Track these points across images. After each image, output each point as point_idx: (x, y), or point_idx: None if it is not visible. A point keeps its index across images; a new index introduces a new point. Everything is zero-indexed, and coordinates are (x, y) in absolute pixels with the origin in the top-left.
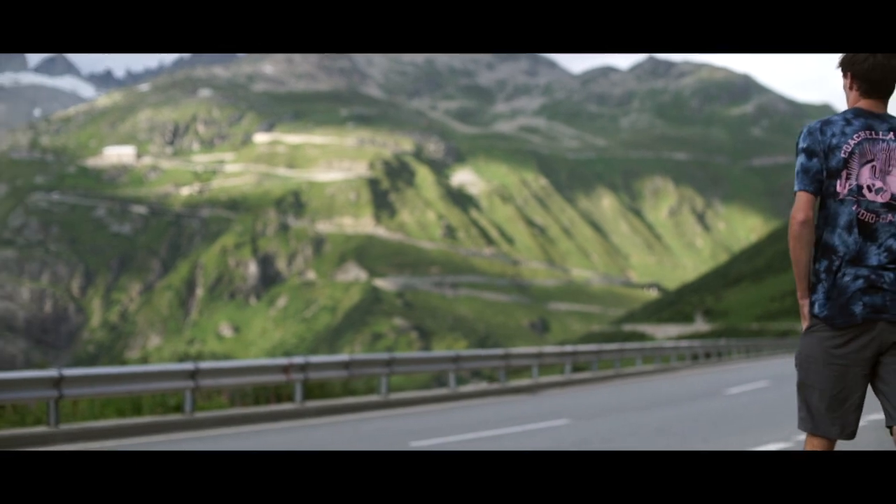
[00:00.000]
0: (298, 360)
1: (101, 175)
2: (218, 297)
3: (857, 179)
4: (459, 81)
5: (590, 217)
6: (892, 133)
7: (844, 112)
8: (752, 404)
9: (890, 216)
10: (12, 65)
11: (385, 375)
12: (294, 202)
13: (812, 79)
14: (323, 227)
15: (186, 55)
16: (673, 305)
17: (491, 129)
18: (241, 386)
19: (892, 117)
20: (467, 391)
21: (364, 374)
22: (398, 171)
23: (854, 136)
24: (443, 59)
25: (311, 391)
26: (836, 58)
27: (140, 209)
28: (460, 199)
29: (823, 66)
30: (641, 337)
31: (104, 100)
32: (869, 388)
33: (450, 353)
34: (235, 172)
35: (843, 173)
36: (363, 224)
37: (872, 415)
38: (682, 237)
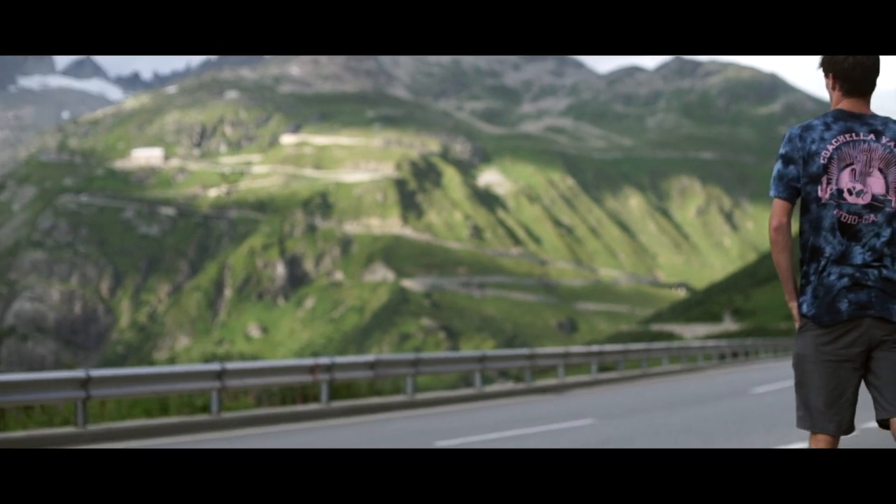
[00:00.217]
0: (324, 360)
1: (130, 177)
2: (246, 297)
3: (837, 184)
4: (486, 82)
5: (617, 217)
6: (872, 134)
7: (825, 115)
8: (777, 403)
9: (872, 216)
10: (40, 68)
11: (411, 375)
12: (321, 203)
13: None
14: (350, 227)
15: (213, 57)
16: (701, 305)
17: (517, 129)
18: (267, 386)
19: (873, 117)
20: (493, 391)
21: (390, 374)
22: (425, 172)
23: (833, 141)
24: (469, 60)
25: (337, 391)
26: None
27: (168, 211)
28: (487, 199)
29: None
30: (669, 337)
31: (132, 102)
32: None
33: (475, 353)
34: (263, 174)
35: (824, 178)
36: (390, 225)
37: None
38: (710, 236)
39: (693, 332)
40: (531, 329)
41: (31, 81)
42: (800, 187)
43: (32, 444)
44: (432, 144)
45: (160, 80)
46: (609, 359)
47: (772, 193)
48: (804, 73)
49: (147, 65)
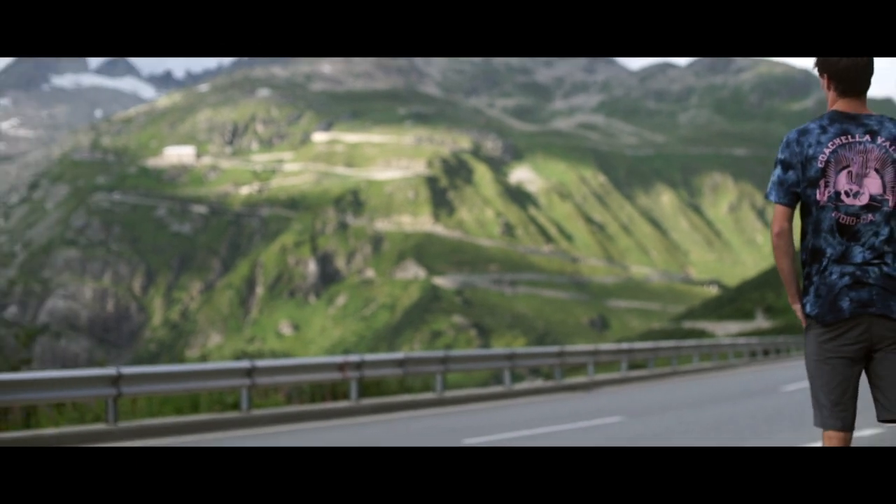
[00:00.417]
0: (354, 358)
1: (162, 175)
2: (277, 295)
3: (834, 186)
4: (517, 79)
5: (649, 214)
6: (868, 135)
7: (821, 118)
8: (807, 401)
9: (870, 216)
10: (73, 67)
11: (440, 373)
12: (353, 201)
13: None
14: (381, 225)
15: None
16: (733, 302)
17: (549, 126)
18: (297, 384)
19: (868, 117)
20: (522, 389)
21: (419, 371)
22: (456, 169)
23: (829, 145)
24: (500, 58)
25: (367, 389)
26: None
27: (200, 209)
28: (518, 196)
29: (885, 60)
30: (701, 334)
31: (164, 100)
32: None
33: (505, 350)
34: (294, 171)
35: (822, 182)
36: (422, 222)
37: None
38: (743, 233)
39: (725, 330)
40: (563, 326)
41: (65, 80)
42: (799, 192)
43: (64, 442)
44: (463, 142)
45: (192, 79)
46: (639, 356)
47: (772, 199)
48: None
49: (179, 63)
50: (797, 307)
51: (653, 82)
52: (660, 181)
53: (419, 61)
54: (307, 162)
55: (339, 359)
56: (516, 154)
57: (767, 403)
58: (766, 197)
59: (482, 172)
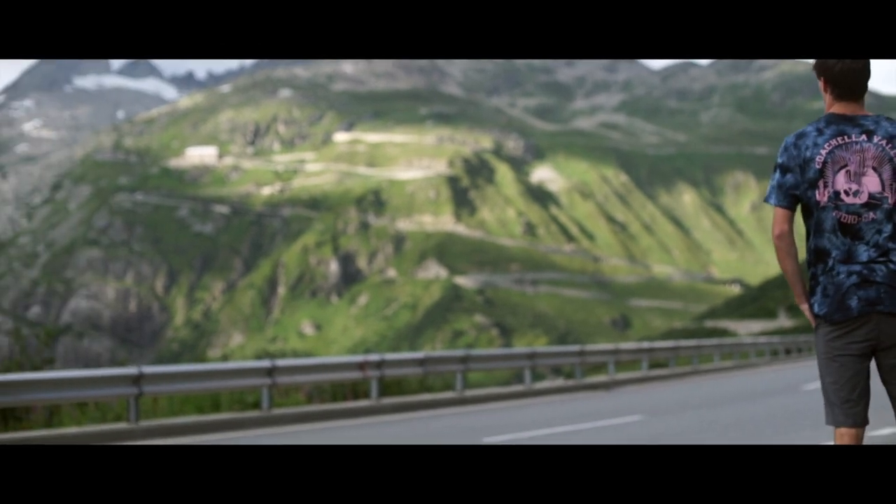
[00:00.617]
0: (374, 357)
1: (184, 175)
2: (299, 295)
3: (833, 186)
4: (538, 78)
5: (671, 213)
6: (864, 135)
7: (818, 121)
8: None
9: (871, 214)
10: (96, 68)
11: (460, 372)
12: (374, 200)
13: None
14: (403, 224)
15: None
16: (756, 301)
17: (570, 125)
18: (317, 383)
19: (865, 117)
20: (542, 388)
21: (439, 370)
22: (478, 169)
23: (825, 146)
24: None
25: (388, 388)
26: None
27: (222, 209)
28: (540, 196)
29: None
30: (724, 333)
31: (186, 101)
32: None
33: (525, 349)
34: (316, 172)
35: (821, 182)
36: (443, 222)
37: None
38: (765, 232)
39: (748, 329)
40: (584, 326)
41: (87, 81)
42: (799, 194)
43: (86, 440)
44: (485, 141)
45: (214, 79)
46: (660, 355)
47: (771, 202)
48: None
49: (201, 64)
50: (805, 307)
51: (674, 81)
52: (682, 180)
53: (441, 61)
54: (329, 162)
55: (359, 358)
56: (538, 153)
57: (788, 402)
58: (766, 201)
59: (504, 172)
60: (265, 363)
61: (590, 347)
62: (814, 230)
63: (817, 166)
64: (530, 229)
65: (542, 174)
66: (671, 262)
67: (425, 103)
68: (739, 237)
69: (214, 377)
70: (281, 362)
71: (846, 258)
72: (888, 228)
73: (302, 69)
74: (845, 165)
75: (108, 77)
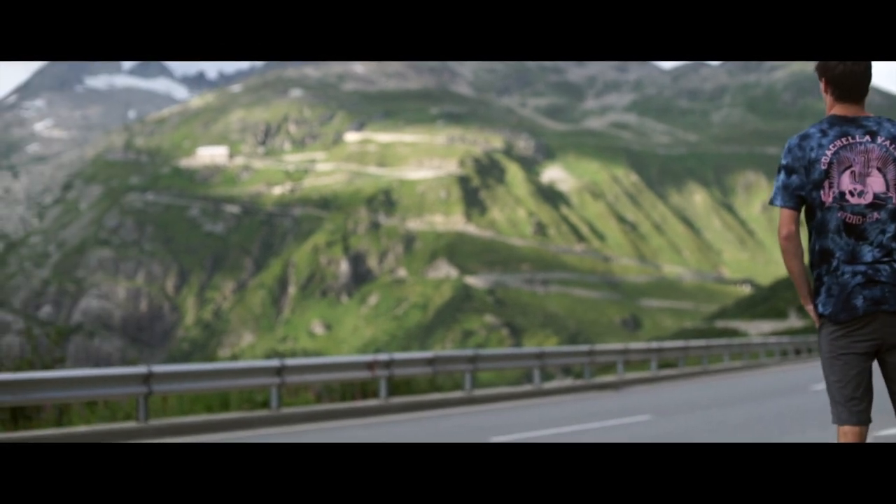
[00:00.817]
0: (383, 356)
1: (195, 175)
2: (310, 295)
3: (838, 187)
4: (549, 78)
5: (681, 213)
6: (867, 136)
7: (821, 122)
8: None
9: (876, 214)
10: (107, 68)
11: (469, 372)
12: (385, 200)
13: None
14: (413, 224)
15: None
16: (766, 301)
17: (581, 125)
18: (326, 382)
19: (867, 118)
20: (551, 387)
21: (448, 370)
22: (488, 169)
23: (830, 147)
24: None
25: (397, 388)
26: None
27: (233, 209)
28: (551, 195)
29: None
30: (734, 333)
31: (197, 101)
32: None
33: (534, 349)
34: (326, 171)
35: (826, 183)
36: (453, 221)
37: None
38: (776, 233)
39: (758, 329)
40: (595, 326)
41: (98, 81)
42: (804, 195)
43: (95, 439)
44: (496, 141)
45: (225, 79)
46: (669, 355)
47: (777, 203)
48: (873, 67)
49: (212, 64)
50: (810, 308)
51: (685, 81)
52: (692, 180)
53: (451, 61)
54: (339, 162)
55: (368, 357)
56: (548, 153)
57: (796, 402)
58: (771, 203)
59: (514, 172)
60: (274, 362)
61: (599, 347)
62: (817, 231)
63: (823, 167)
64: (541, 229)
65: (553, 174)
66: (682, 263)
67: (436, 103)
68: (750, 237)
69: (223, 376)
70: (290, 361)
71: (850, 258)
72: (892, 228)
73: (312, 69)
74: (850, 166)
75: (119, 77)
